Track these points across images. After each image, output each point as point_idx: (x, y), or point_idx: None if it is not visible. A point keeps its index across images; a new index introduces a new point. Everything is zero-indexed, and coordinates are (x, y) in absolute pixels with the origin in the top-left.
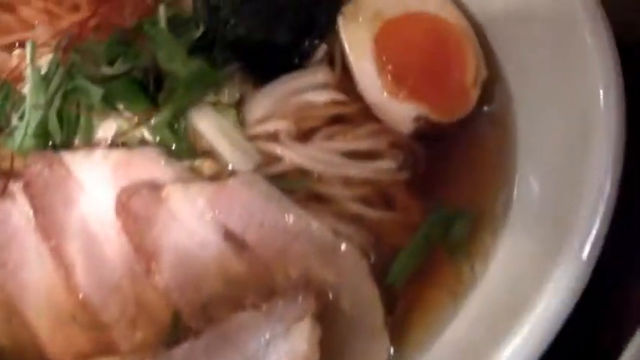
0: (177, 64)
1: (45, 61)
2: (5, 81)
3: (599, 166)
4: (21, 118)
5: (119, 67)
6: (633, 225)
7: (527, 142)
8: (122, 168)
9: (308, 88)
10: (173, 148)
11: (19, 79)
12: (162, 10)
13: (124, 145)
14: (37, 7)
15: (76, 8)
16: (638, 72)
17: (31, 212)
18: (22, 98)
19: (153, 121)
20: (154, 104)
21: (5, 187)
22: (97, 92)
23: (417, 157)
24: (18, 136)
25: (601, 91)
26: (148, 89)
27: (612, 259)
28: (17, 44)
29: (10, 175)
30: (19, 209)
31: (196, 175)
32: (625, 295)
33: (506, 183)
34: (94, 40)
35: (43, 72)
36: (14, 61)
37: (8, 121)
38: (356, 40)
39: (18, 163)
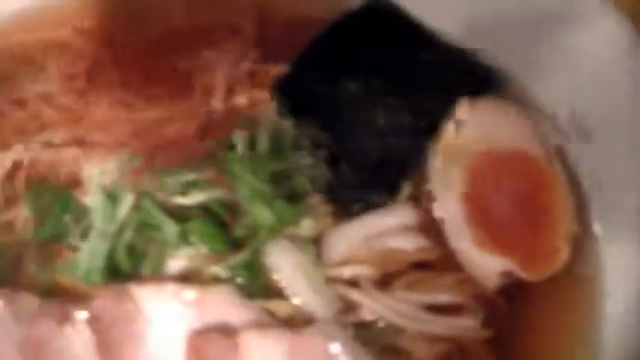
0: (260, 205)
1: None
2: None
3: None
4: (82, 236)
5: (194, 197)
6: None
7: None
8: (194, 307)
9: (392, 231)
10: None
11: (78, 184)
12: (241, 138)
13: (194, 278)
14: (106, 98)
15: (130, 106)
16: None
17: (92, 342)
18: (81, 208)
19: (230, 261)
20: (232, 243)
21: (67, 313)
22: (172, 229)
23: (498, 313)
24: (83, 264)
25: None
26: (225, 225)
27: None
28: None
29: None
30: (82, 337)
31: (270, 317)
32: None
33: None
34: (166, 165)
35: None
36: (71, 164)
37: (66, 232)
38: (443, 179)
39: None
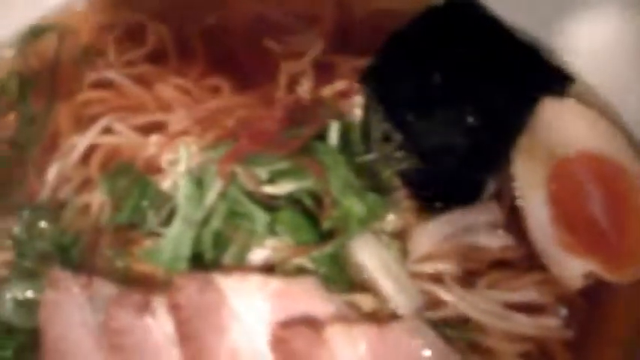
0: (352, 196)
1: (183, 152)
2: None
3: None
4: (165, 224)
5: (283, 187)
6: None
7: None
8: (280, 298)
9: (477, 229)
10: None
11: (157, 170)
12: (334, 129)
13: (277, 269)
14: (174, 85)
15: (216, 90)
16: None
17: (173, 333)
18: (161, 194)
19: (316, 252)
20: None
21: (147, 302)
22: (262, 218)
23: (580, 315)
24: (166, 250)
25: None
26: (314, 217)
27: None
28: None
29: (151, 289)
30: (161, 328)
31: (355, 311)
32: None
33: None
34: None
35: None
36: (151, 149)
37: (144, 218)
38: (528, 178)
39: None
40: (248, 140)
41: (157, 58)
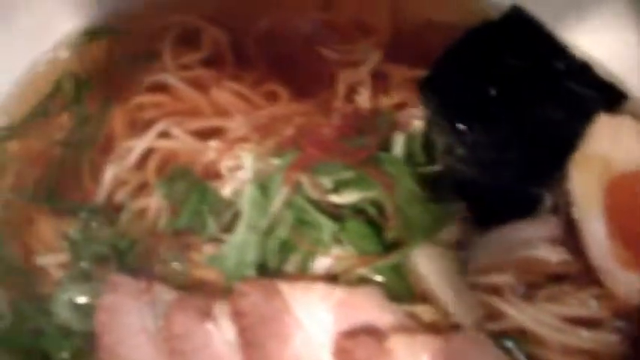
0: (418, 207)
1: (247, 159)
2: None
3: None
4: (225, 230)
5: (348, 197)
6: None
7: None
8: (343, 308)
9: (535, 242)
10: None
11: (215, 176)
12: (399, 140)
13: (339, 278)
14: (230, 90)
15: (272, 97)
16: None
17: (234, 339)
18: (220, 200)
19: (380, 262)
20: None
21: (209, 308)
22: (329, 227)
23: (637, 331)
24: (231, 256)
25: None
26: (378, 227)
27: None
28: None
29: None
30: (222, 334)
31: (415, 321)
32: None
33: None
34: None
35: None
36: (209, 155)
37: (203, 224)
38: (585, 193)
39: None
40: (313, 149)
41: (212, 62)
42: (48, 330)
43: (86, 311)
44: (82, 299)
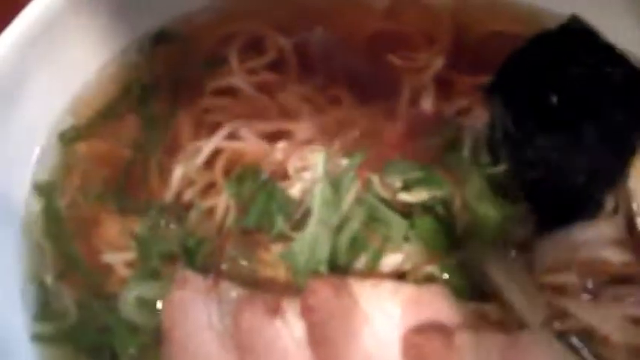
0: (487, 204)
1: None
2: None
3: None
4: (294, 229)
5: (418, 195)
6: None
7: None
8: (411, 305)
9: (599, 243)
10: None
11: (282, 176)
12: (467, 141)
13: (406, 276)
14: (294, 93)
15: (336, 101)
16: None
17: (303, 337)
18: (289, 199)
19: (450, 260)
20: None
21: (278, 304)
22: (401, 225)
23: None
24: (302, 253)
25: None
26: (448, 226)
27: None
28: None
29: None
30: (290, 331)
31: (482, 319)
32: None
33: None
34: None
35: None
36: (278, 155)
37: (272, 222)
38: None
39: (282, 273)
40: (381, 149)
41: (277, 67)
42: (114, 327)
43: (152, 308)
44: (149, 296)
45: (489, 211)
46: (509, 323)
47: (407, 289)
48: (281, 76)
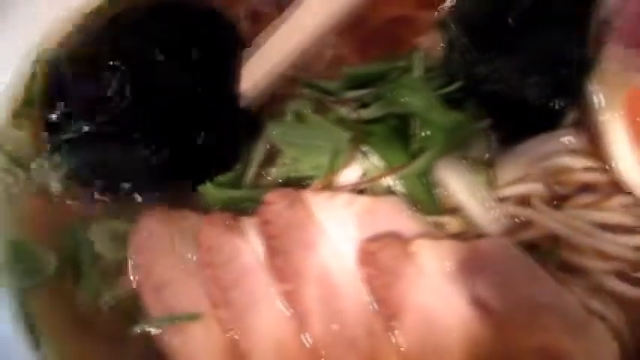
0: (437, 114)
1: None
2: None
3: None
4: None
5: (374, 111)
6: None
7: None
8: (366, 216)
9: (561, 152)
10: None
11: None
12: (418, 59)
13: (365, 190)
14: None
15: None
16: None
17: (262, 251)
18: None
19: (405, 170)
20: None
21: (236, 222)
22: (343, 137)
23: None
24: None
25: None
26: (405, 139)
27: None
28: None
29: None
30: (251, 247)
31: (441, 231)
32: None
33: None
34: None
35: None
36: None
37: None
38: (605, 106)
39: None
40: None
41: None
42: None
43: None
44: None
45: (439, 116)
46: (469, 235)
47: (362, 200)
48: None
